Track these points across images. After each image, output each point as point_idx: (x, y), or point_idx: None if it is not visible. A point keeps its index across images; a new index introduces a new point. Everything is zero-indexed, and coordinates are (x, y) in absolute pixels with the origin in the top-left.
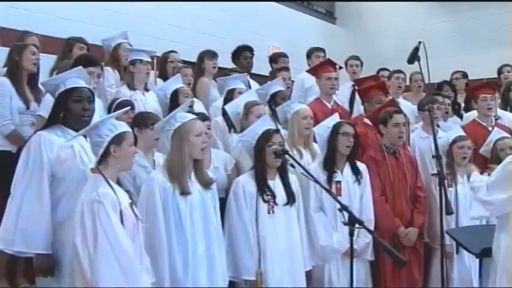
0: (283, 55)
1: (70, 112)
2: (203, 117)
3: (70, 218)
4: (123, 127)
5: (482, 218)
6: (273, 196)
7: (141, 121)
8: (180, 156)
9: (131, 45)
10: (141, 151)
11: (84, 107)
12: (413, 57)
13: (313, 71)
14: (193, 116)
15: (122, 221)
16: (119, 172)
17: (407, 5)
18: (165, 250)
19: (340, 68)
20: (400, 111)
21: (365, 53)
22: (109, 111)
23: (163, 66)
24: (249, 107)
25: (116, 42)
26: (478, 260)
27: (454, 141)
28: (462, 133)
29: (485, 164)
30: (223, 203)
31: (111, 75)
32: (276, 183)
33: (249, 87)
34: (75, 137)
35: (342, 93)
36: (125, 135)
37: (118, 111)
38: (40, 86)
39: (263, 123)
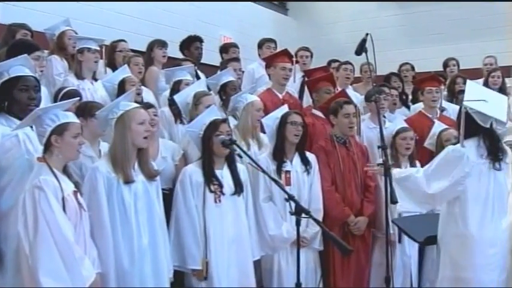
0: (234, 45)
1: (15, 101)
2: (147, 105)
3: (14, 208)
4: (67, 118)
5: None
6: (220, 185)
7: (86, 110)
8: (123, 145)
9: (76, 33)
10: (87, 141)
11: (30, 96)
12: (361, 49)
13: (269, 59)
14: (136, 105)
15: (64, 208)
16: (64, 162)
17: None
18: (110, 241)
19: (297, 62)
20: (350, 102)
21: (317, 45)
22: (55, 100)
23: (112, 55)
24: (198, 97)
25: (60, 30)
26: (417, 249)
27: (397, 133)
28: (405, 125)
29: (430, 156)
30: (170, 193)
31: (59, 63)
32: (223, 173)
33: (197, 77)
34: (19, 127)
35: (292, 84)
36: (68, 126)
37: (63, 102)
38: None
39: (210, 114)
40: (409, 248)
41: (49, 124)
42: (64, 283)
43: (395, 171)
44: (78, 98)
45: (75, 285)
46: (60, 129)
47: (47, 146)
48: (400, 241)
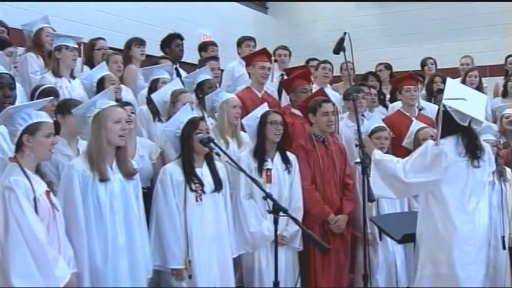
0: (213, 43)
1: None
2: (124, 103)
3: None
4: (40, 117)
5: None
6: (201, 184)
7: (65, 108)
8: (98, 143)
9: (54, 30)
10: (65, 139)
11: (5, 94)
12: (339, 48)
13: (248, 58)
14: (113, 103)
15: (36, 209)
16: (37, 161)
17: None
18: (84, 240)
19: (276, 61)
20: (328, 101)
21: (296, 43)
22: (32, 98)
23: (90, 53)
24: (176, 95)
25: (38, 27)
26: (402, 246)
27: (372, 132)
28: (381, 124)
29: (407, 155)
30: (149, 192)
31: (34, 61)
32: (203, 171)
33: (179, 75)
34: None
35: (270, 83)
36: (40, 126)
37: (36, 101)
38: None
39: (185, 113)
40: (392, 245)
41: (21, 123)
42: (36, 284)
43: (376, 152)
44: (51, 98)
45: (48, 285)
46: (33, 129)
47: (19, 146)
48: (380, 238)
